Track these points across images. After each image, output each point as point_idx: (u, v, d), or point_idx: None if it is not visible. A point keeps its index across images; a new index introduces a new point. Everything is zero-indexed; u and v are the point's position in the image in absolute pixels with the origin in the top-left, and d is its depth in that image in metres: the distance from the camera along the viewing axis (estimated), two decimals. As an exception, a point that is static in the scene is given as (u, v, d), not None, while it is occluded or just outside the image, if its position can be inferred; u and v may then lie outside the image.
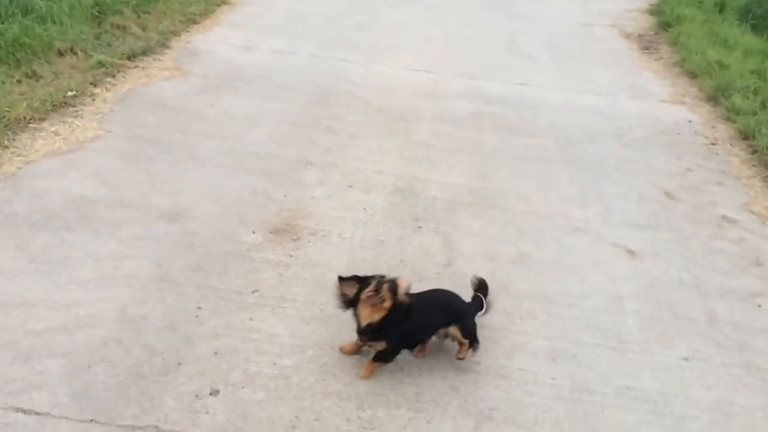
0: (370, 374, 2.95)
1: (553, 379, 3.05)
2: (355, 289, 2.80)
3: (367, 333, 2.84)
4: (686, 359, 3.24)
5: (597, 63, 7.41)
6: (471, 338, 3.03)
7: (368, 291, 2.73)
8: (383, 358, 2.95)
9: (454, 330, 3.00)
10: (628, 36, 8.42)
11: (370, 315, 2.76)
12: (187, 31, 6.90)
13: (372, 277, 2.80)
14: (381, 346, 2.90)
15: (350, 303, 2.82)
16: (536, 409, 2.88)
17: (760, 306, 3.67)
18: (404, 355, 3.07)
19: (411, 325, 2.84)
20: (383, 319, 2.76)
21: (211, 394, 2.76)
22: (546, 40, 8.07)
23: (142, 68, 5.84)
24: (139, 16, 6.82)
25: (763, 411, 3.00)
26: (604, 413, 2.89)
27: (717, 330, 3.46)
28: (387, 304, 2.73)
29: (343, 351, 3.06)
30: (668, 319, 3.50)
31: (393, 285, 2.74)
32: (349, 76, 6.32)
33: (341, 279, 2.83)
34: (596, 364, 3.16)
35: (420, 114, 5.68)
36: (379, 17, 8.32)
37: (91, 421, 2.58)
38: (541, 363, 3.14)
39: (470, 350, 3.04)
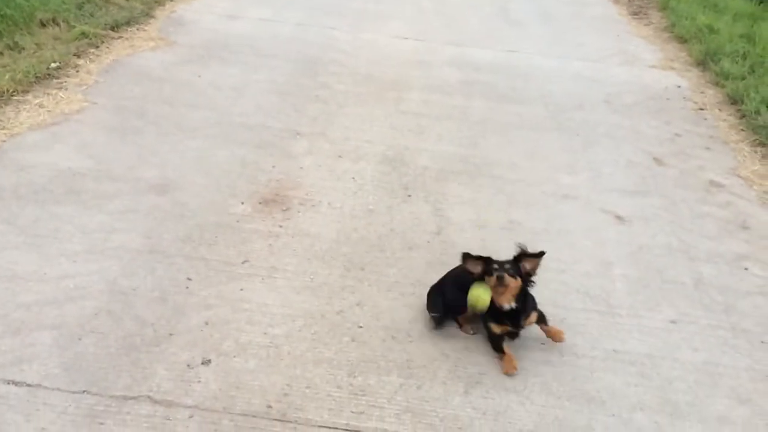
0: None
1: (542, 344, 3.08)
2: (479, 269, 2.90)
3: (518, 314, 2.91)
4: (674, 322, 3.28)
5: (587, 29, 7.36)
6: None
7: (492, 281, 2.84)
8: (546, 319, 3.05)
9: None
10: (617, 1, 8.36)
11: (511, 294, 2.86)
12: (172, 0, 6.78)
13: (496, 263, 2.89)
14: (534, 316, 2.98)
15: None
16: (526, 373, 2.92)
17: (746, 269, 3.70)
18: (395, 323, 3.10)
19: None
20: (519, 296, 2.88)
21: (203, 363, 2.77)
22: (536, 7, 8.00)
23: (126, 39, 5.76)
24: (122, -15, 6.69)
25: (748, 372, 3.04)
26: (593, 376, 2.93)
27: (704, 293, 3.49)
28: (514, 284, 2.84)
29: (510, 370, 2.93)
30: (656, 283, 3.53)
31: (510, 268, 2.86)
32: (337, 44, 6.25)
33: (467, 256, 2.91)
34: (585, 329, 3.19)
35: (409, 82, 5.64)
36: (367, -16, 8.19)
37: (83, 392, 2.59)
38: (531, 329, 3.15)
39: None
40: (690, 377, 2.98)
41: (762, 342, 3.22)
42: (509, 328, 2.94)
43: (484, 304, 2.89)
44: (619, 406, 2.80)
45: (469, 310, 2.98)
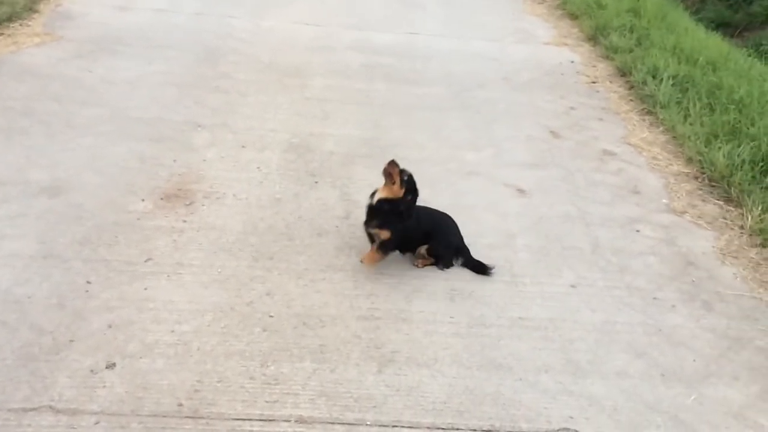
0: (371, 264, 3.37)
1: (451, 317, 3.17)
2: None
3: (375, 217, 3.27)
4: (573, 286, 3.44)
5: (484, 10, 7.52)
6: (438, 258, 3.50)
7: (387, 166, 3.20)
8: (384, 248, 3.32)
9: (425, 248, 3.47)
10: (513, -19, 8.57)
11: (384, 191, 3.24)
12: (57, -7, 6.43)
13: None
14: (385, 234, 3.26)
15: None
16: (436, 347, 2.99)
17: (638, 231, 3.92)
18: (307, 309, 3.10)
19: (411, 228, 3.32)
20: (392, 201, 3.21)
21: (107, 367, 2.68)
22: (434, -11, 8.09)
23: (9, 35, 5.42)
24: (0, -21, 6.28)
25: (642, 326, 3.24)
26: (500, 344, 3.04)
27: (600, 256, 3.68)
28: (397, 187, 3.20)
29: (363, 261, 3.40)
30: (557, 250, 3.69)
31: (408, 175, 3.23)
32: (236, 33, 6.12)
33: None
34: (491, 299, 3.30)
35: (312, 68, 5.60)
36: (265, -29, 8.05)
37: (-21, 408, 2.46)
38: (440, 303, 3.25)
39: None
40: (590, 337, 3.14)
41: (654, 298, 3.43)
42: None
43: None
44: (525, 369, 2.92)
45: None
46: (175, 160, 4.07)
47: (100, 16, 6.07)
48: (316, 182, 4.07)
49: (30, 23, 5.73)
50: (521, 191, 4.19)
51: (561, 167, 4.48)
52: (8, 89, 4.61)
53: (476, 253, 3.58)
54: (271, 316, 3.05)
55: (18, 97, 4.52)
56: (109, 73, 5.02)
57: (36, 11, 5.97)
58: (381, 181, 4.12)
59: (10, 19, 5.69)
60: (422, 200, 3.97)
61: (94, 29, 5.76)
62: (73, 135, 4.18)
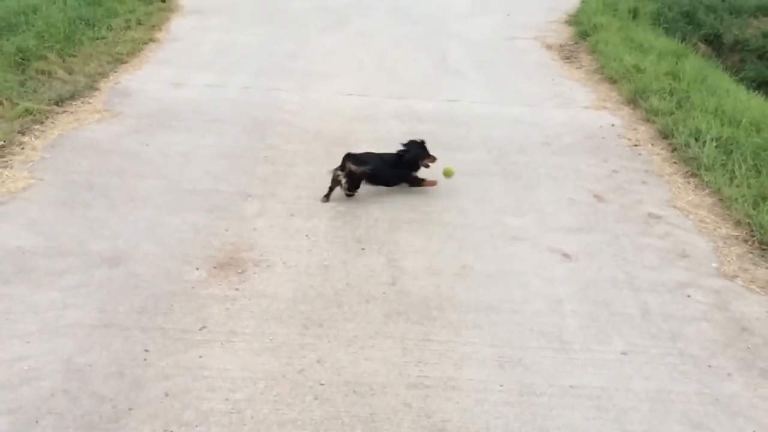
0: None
1: (501, 385, 3.16)
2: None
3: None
4: (624, 353, 3.40)
5: (522, 75, 7.68)
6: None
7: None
8: None
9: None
10: (549, 47, 8.76)
11: None
12: (115, 72, 6.84)
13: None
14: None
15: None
16: (487, 416, 2.98)
17: (689, 296, 3.87)
18: (357, 377, 3.14)
19: None
20: None
21: (165, 436, 2.75)
22: (473, 56, 8.32)
23: (71, 113, 5.77)
24: (64, 60, 6.74)
25: (698, 396, 3.17)
26: (551, 413, 3.01)
27: (651, 323, 3.64)
28: None
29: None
30: (605, 316, 3.67)
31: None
32: (283, 105, 6.38)
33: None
34: (541, 367, 3.28)
35: (356, 137, 5.77)
36: (309, 44, 8.42)
37: (43, 476, 2.54)
38: (489, 371, 3.24)
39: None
40: (644, 407, 3.08)
41: (709, 366, 3.36)
42: None
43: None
44: (579, 441, 2.88)
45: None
46: (227, 230, 4.21)
47: (155, 92, 6.41)
48: (363, 249, 4.15)
49: (91, 101, 6.09)
50: (567, 256, 4.20)
51: (606, 231, 4.48)
52: (71, 164, 4.88)
53: (523, 321, 3.59)
54: (321, 384, 3.09)
55: (81, 171, 4.78)
56: (165, 146, 5.28)
57: (96, 89, 6.35)
58: (426, 246, 4.21)
59: (72, 97, 6.06)
60: (468, 267, 4.03)
61: (150, 105, 6.08)
62: (133, 207, 4.39)
